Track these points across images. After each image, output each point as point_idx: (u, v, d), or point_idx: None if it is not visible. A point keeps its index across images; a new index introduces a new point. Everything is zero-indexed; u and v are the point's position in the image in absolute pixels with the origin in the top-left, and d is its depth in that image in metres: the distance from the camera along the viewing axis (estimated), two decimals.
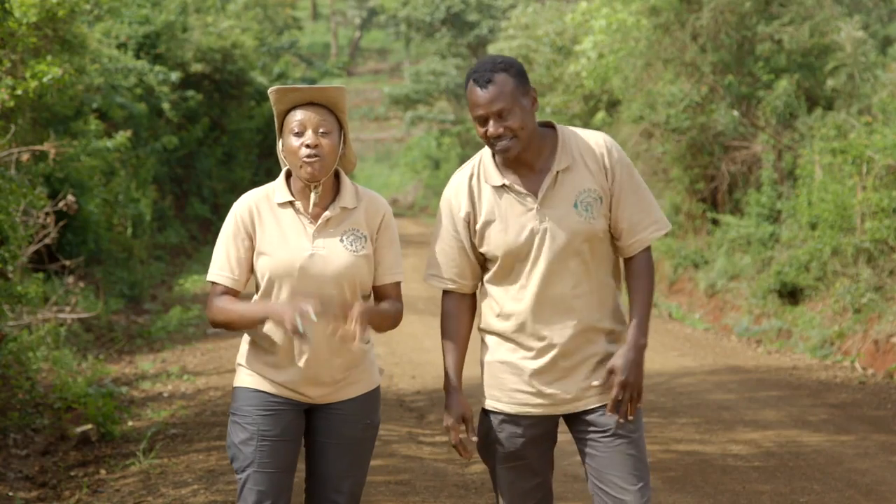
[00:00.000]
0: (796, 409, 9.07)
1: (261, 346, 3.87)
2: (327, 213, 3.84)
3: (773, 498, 6.46)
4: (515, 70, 3.75)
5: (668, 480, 6.82)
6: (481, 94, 3.72)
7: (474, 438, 3.86)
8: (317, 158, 3.79)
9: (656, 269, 17.93)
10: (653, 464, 7.17)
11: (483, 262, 3.89)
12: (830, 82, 15.68)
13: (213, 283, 3.89)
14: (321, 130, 3.81)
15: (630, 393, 3.73)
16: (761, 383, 10.28)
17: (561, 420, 3.91)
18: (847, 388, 10.10)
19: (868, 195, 12.47)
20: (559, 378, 3.80)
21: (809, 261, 13.42)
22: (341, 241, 3.84)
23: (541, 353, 3.81)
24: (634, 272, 3.83)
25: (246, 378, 3.90)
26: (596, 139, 3.83)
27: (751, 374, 10.78)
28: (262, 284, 3.86)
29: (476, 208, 3.83)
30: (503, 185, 3.80)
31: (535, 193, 3.78)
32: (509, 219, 3.79)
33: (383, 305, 3.92)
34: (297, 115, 3.82)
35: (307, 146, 3.79)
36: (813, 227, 13.58)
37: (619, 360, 3.75)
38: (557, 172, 3.78)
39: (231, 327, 3.85)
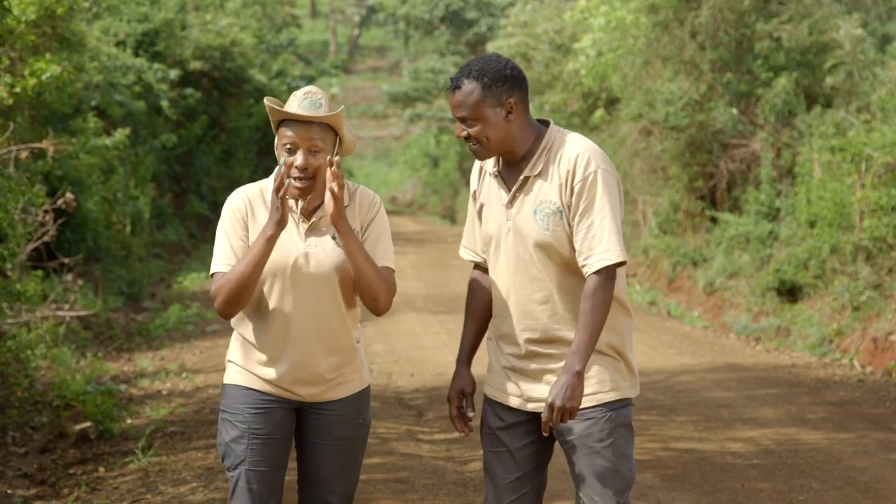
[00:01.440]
0: (795, 407, 9.07)
1: (251, 344, 3.87)
2: (320, 212, 3.84)
3: (771, 496, 6.47)
4: (490, 78, 3.73)
5: (667, 478, 6.82)
6: (451, 97, 3.78)
7: (471, 413, 3.92)
8: (306, 181, 3.78)
9: (655, 268, 17.98)
10: (651, 461, 7.17)
11: None
12: (829, 80, 15.67)
13: (219, 273, 3.81)
14: (313, 149, 3.78)
15: (559, 416, 3.67)
16: (760, 381, 10.28)
17: None
18: (846, 386, 10.11)
19: (867, 193, 12.47)
20: (528, 377, 3.83)
21: (808, 259, 13.43)
22: (333, 238, 3.84)
23: (507, 352, 3.87)
24: (583, 295, 3.72)
25: (236, 375, 3.89)
26: (576, 151, 3.76)
27: (749, 372, 10.78)
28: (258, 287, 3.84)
29: (479, 187, 3.92)
30: (494, 174, 3.87)
31: (508, 189, 3.83)
32: (492, 205, 3.87)
33: None
34: (289, 132, 3.78)
35: (297, 167, 3.77)
36: (812, 225, 13.58)
37: (554, 384, 3.70)
38: (527, 177, 3.79)
39: (242, 289, 3.70)
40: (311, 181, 3.78)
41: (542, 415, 3.69)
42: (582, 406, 3.73)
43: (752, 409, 8.94)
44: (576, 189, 3.73)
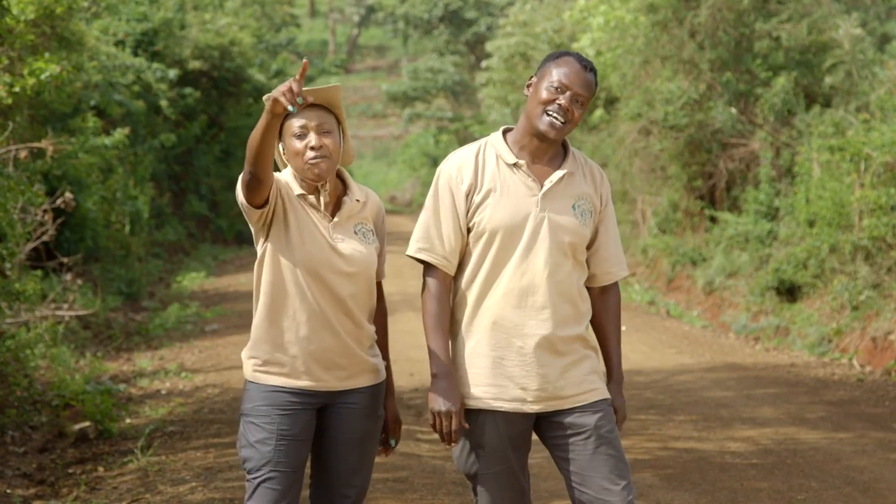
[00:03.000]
0: (794, 406, 9.07)
1: (275, 331, 3.85)
2: (344, 208, 3.88)
3: (770, 495, 6.47)
4: (598, 83, 3.93)
5: (666, 478, 6.82)
6: (581, 72, 3.77)
7: (466, 426, 3.82)
8: (322, 158, 3.81)
9: (654, 267, 17.98)
10: (650, 461, 7.17)
11: (466, 247, 3.86)
12: (828, 80, 15.68)
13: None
14: (322, 130, 3.83)
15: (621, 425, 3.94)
16: (759, 381, 10.28)
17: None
18: (845, 386, 10.11)
19: (866, 192, 12.47)
20: (535, 373, 3.79)
21: (807, 258, 13.43)
22: (355, 233, 3.89)
23: (518, 345, 3.80)
24: (610, 304, 3.97)
25: (259, 374, 3.87)
26: (596, 165, 3.97)
27: (748, 372, 10.79)
28: (285, 277, 3.82)
29: (478, 180, 3.82)
30: (515, 164, 3.82)
31: (541, 183, 3.81)
32: (510, 195, 3.80)
33: (384, 347, 4.09)
34: (297, 119, 3.83)
35: (312, 148, 3.80)
36: (811, 224, 13.58)
37: (616, 398, 3.93)
38: (566, 173, 3.83)
39: (257, 152, 3.68)
40: (326, 159, 3.81)
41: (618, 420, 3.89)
42: (592, 399, 3.82)
43: (751, 409, 8.95)
44: (606, 201, 3.92)
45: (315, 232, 3.84)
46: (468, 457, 3.85)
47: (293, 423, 3.83)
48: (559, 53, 3.83)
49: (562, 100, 3.74)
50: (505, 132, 3.91)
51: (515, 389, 3.80)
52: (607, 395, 3.86)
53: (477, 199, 3.81)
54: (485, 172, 3.82)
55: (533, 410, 3.80)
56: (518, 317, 3.79)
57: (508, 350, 3.80)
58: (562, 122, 3.75)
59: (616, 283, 3.96)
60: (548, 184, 3.80)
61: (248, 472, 3.85)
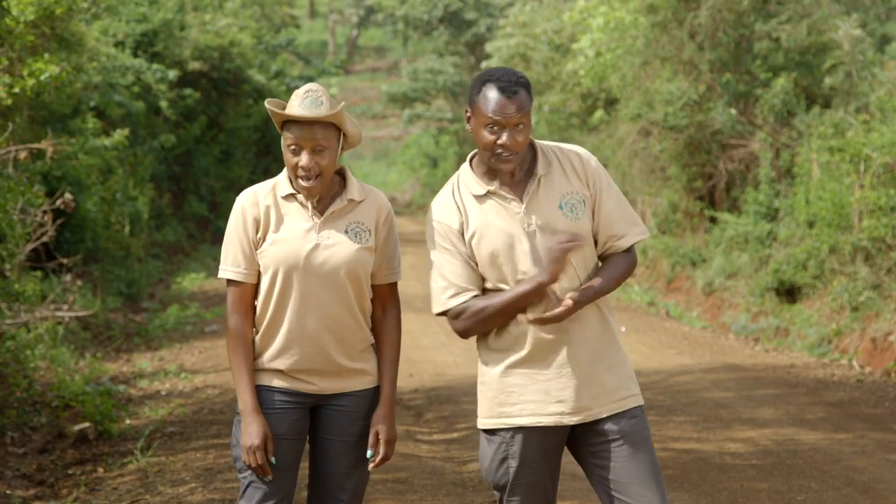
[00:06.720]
0: (794, 407, 9.07)
1: (264, 335, 3.86)
2: (334, 206, 3.85)
3: (770, 496, 6.47)
4: (530, 87, 3.77)
5: (666, 479, 6.82)
6: (506, 102, 3.67)
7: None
8: (312, 179, 3.79)
9: (654, 268, 17.99)
10: None
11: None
12: (828, 80, 15.69)
13: (227, 280, 3.87)
14: (317, 148, 3.79)
15: None
16: (759, 381, 10.28)
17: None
18: (845, 387, 10.11)
19: (865, 193, 12.47)
20: (569, 385, 3.74)
21: (807, 259, 13.43)
22: (346, 232, 3.85)
23: (547, 358, 3.75)
24: (615, 259, 3.80)
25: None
26: (575, 150, 3.85)
27: (748, 373, 10.79)
28: (267, 276, 3.83)
29: (465, 219, 3.78)
30: (487, 193, 3.77)
31: (519, 198, 3.76)
32: (495, 224, 3.75)
33: (385, 353, 3.91)
34: (293, 132, 3.79)
35: (302, 168, 3.79)
36: (810, 225, 13.59)
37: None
38: (540, 177, 3.77)
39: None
40: (317, 179, 3.79)
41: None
42: (628, 406, 3.76)
43: (750, 410, 8.95)
44: (595, 176, 3.81)
45: (298, 231, 3.83)
46: (498, 468, 3.81)
47: (280, 423, 3.83)
48: (481, 82, 3.73)
49: (503, 138, 3.68)
50: (472, 159, 3.85)
51: (553, 404, 3.75)
52: (642, 401, 3.81)
53: (468, 237, 3.77)
54: (467, 211, 3.78)
55: (573, 422, 3.75)
56: (543, 329, 3.73)
57: (542, 364, 3.75)
58: (511, 157, 3.70)
59: (626, 250, 3.80)
60: (526, 197, 3.75)
61: (239, 472, 3.86)
